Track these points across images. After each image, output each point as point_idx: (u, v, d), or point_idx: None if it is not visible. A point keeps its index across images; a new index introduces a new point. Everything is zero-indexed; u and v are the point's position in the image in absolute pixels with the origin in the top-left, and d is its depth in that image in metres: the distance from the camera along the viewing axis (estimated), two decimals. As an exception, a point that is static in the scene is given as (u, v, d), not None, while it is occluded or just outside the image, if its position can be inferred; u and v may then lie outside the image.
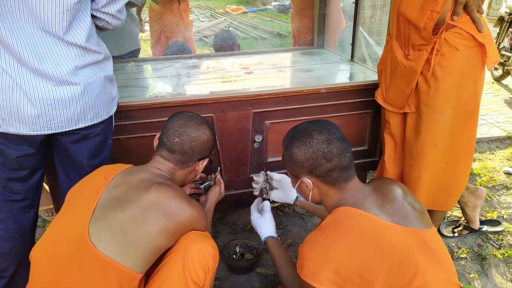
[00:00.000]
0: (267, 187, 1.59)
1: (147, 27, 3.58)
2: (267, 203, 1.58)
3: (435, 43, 1.43)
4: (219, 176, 1.61)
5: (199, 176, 1.58)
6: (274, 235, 1.47)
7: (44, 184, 1.90)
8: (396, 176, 1.73)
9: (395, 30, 1.58)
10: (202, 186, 1.59)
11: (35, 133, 1.28)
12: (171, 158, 1.27)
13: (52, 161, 1.48)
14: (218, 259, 1.20)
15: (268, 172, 1.62)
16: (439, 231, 2.04)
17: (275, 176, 1.61)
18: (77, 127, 1.33)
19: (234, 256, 1.88)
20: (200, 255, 1.12)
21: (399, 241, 1.03)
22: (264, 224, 1.49)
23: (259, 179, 1.62)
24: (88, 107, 1.33)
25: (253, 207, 1.58)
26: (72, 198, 1.20)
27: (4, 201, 1.40)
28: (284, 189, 1.58)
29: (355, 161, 1.96)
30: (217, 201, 1.55)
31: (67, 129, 1.31)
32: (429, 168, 1.59)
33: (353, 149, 1.98)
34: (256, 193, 1.61)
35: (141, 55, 2.78)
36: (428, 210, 1.33)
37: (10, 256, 1.42)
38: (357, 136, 1.98)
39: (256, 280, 1.80)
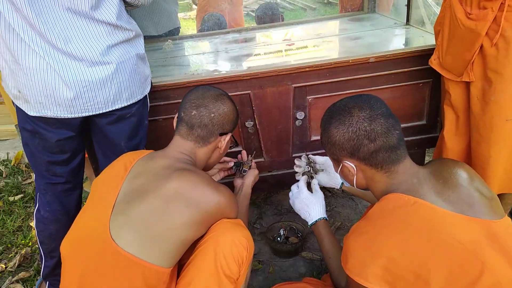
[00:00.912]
0: (311, 171, 1.46)
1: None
2: (316, 181, 1.43)
3: None
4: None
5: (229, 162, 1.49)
6: (325, 216, 1.35)
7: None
8: (458, 153, 1.53)
9: None
10: (234, 167, 1.50)
11: (72, 115, 1.28)
12: (190, 135, 1.18)
13: (93, 144, 1.48)
14: (253, 250, 1.12)
15: (310, 156, 1.49)
16: (510, 215, 1.79)
17: (318, 159, 1.47)
18: (113, 108, 1.32)
19: (279, 239, 1.81)
20: (232, 246, 1.04)
21: (463, 234, 0.88)
22: (316, 204, 1.35)
23: (301, 163, 1.50)
24: (123, 87, 1.31)
25: (302, 185, 1.41)
26: (95, 190, 1.17)
27: (48, 184, 1.44)
28: (329, 172, 1.45)
29: (412, 138, 1.81)
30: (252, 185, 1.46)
31: (104, 111, 1.30)
32: (501, 145, 1.38)
33: (409, 124, 1.83)
34: (298, 177, 1.50)
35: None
36: (498, 194, 1.15)
37: (57, 237, 1.46)
38: (413, 109, 1.78)
39: (301, 264, 1.73)
